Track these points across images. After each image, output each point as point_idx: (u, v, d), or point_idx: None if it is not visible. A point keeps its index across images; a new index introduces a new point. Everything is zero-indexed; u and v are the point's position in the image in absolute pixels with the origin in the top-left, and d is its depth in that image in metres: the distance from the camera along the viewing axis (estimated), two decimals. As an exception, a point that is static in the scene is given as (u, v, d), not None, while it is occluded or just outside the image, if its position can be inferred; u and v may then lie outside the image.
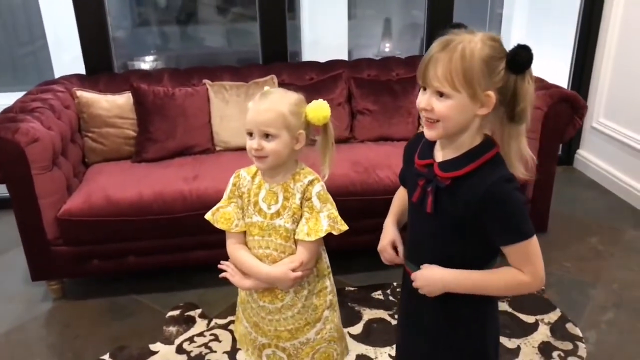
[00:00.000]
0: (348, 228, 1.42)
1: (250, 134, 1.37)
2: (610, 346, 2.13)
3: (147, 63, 4.08)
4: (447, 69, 1.07)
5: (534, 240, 1.14)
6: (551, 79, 2.74)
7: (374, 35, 4.81)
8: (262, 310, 1.49)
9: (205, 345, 2.19)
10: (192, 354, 2.14)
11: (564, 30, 3.63)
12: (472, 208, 1.12)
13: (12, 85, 3.98)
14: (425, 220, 1.22)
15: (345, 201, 2.41)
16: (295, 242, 1.42)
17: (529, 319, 2.28)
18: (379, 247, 1.40)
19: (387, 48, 4.68)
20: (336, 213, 1.43)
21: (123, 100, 2.76)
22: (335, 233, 1.40)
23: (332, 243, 2.41)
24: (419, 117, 2.97)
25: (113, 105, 2.74)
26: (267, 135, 1.35)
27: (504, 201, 1.10)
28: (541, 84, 2.65)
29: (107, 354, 2.14)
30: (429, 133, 1.15)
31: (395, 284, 2.51)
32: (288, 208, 1.40)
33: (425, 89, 1.13)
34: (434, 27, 3.31)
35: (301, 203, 1.40)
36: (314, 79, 2.99)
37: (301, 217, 1.41)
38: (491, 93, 1.08)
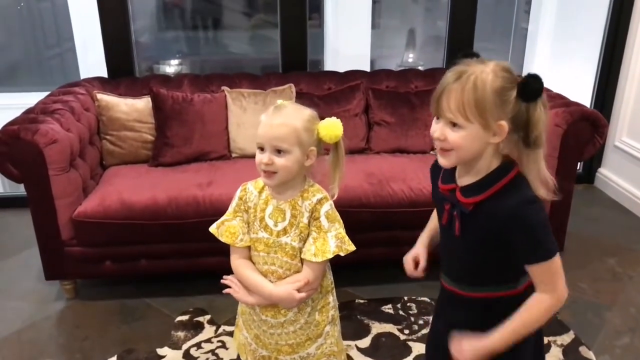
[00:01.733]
0: (355, 249, 1.41)
1: (262, 148, 1.36)
2: (625, 372, 2.08)
3: (172, 67, 4.13)
4: (459, 101, 1.10)
5: (557, 259, 1.15)
6: (576, 96, 2.70)
7: (398, 46, 4.80)
8: (264, 324, 1.48)
9: (212, 352, 2.19)
10: (199, 360, 2.14)
11: (590, 47, 3.58)
12: (495, 231, 1.15)
13: (39, 85, 4.06)
14: (455, 241, 1.25)
15: (358, 213, 2.41)
16: (302, 260, 1.41)
17: (541, 340, 2.24)
18: (404, 258, 1.45)
19: (410, 59, 4.67)
20: (344, 233, 1.41)
21: (142, 105, 2.79)
22: (342, 254, 1.39)
23: (345, 256, 2.42)
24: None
25: (132, 109, 2.77)
26: (279, 151, 1.33)
27: (527, 223, 1.13)
28: (562, 100, 2.61)
29: (115, 357, 2.15)
30: (442, 161, 1.18)
31: (406, 298, 2.49)
32: (295, 226, 1.39)
33: (438, 118, 1.16)
34: (455, 40, 3.28)
35: (309, 222, 1.39)
36: (332, 89, 2.98)
37: (308, 235, 1.39)
38: (503, 123, 1.11)
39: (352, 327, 2.31)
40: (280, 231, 1.40)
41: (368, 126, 2.96)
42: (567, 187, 2.48)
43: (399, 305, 2.46)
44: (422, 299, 2.47)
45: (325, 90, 2.98)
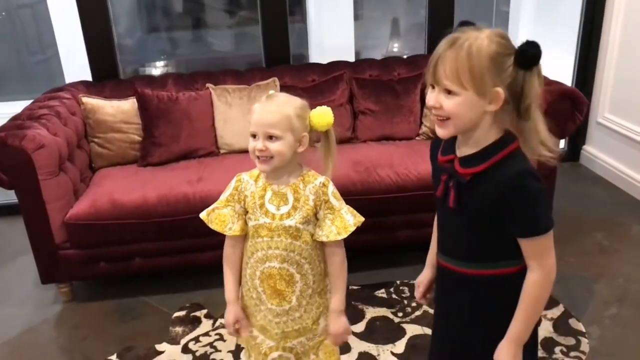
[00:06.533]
0: (364, 219, 1.48)
1: (254, 136, 1.40)
2: (613, 341, 2.13)
3: (158, 69, 4.14)
4: (454, 67, 1.09)
5: (551, 234, 1.16)
6: (559, 76, 2.72)
7: (382, 36, 4.83)
8: (270, 312, 1.51)
9: (211, 344, 2.22)
10: (197, 354, 2.17)
11: (572, 26, 3.61)
12: (492, 202, 1.14)
13: (25, 93, 4.05)
14: (450, 215, 1.25)
15: (346, 201, 2.44)
16: (308, 243, 1.45)
17: (532, 314, 2.29)
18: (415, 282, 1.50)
19: (395, 48, 4.69)
20: (351, 208, 1.48)
21: (128, 106, 2.81)
22: (358, 226, 1.46)
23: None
24: (420, 116, 3.00)
25: (118, 110, 2.79)
26: (271, 137, 1.37)
27: (524, 195, 1.12)
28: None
29: (115, 355, 2.18)
30: (440, 131, 1.18)
31: (398, 282, 2.53)
32: (299, 209, 1.43)
33: (434, 87, 1.14)
34: (435, 25, 3.32)
35: (315, 205, 1.43)
36: (315, 81, 3.01)
37: (316, 218, 1.44)
38: (499, 89, 1.10)
39: (346, 313, 2.34)
40: (283, 214, 1.43)
41: (353, 115, 3.00)
42: (551, 165, 2.51)
43: (392, 290, 2.50)
44: (415, 282, 2.51)
45: (309, 82, 3.01)
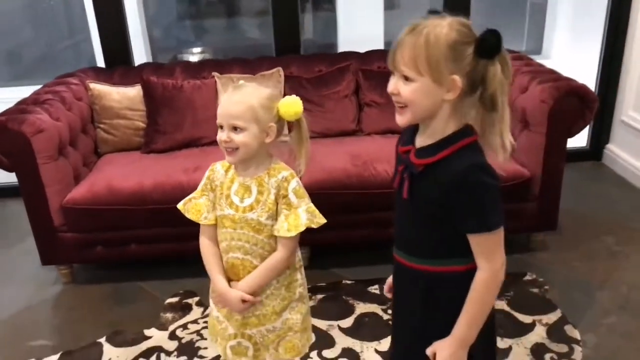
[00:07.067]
0: (326, 221, 1.45)
1: (222, 127, 1.40)
2: (608, 350, 2.04)
3: (194, 55, 4.18)
4: (411, 53, 1.08)
5: (500, 232, 1.13)
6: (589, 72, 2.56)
7: None
8: None
9: (197, 332, 2.24)
10: (184, 341, 2.19)
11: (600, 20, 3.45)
12: (442, 193, 1.12)
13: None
14: (404, 207, 1.23)
15: (342, 195, 2.42)
16: (271, 237, 1.45)
17: (526, 318, 2.21)
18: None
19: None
20: (314, 207, 1.46)
21: (134, 93, 2.84)
22: (314, 226, 1.44)
23: (331, 236, 2.43)
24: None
25: (124, 97, 2.83)
26: (236, 129, 1.37)
27: (474, 189, 1.10)
28: (552, 75, 2.54)
29: (104, 338, 2.22)
30: (398, 118, 1.16)
31: (392, 278, 2.49)
32: (262, 202, 1.43)
33: (394, 74, 1.14)
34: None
35: (276, 199, 1.43)
36: (322, 71, 2.97)
37: (277, 212, 1.44)
38: (456, 77, 1.08)
39: (336, 308, 2.33)
40: (246, 207, 1.44)
41: (359, 107, 2.95)
42: (557, 164, 2.42)
43: (385, 286, 2.45)
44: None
45: (315, 73, 2.97)
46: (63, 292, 2.55)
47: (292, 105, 1.41)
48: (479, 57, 1.07)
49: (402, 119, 1.15)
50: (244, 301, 1.47)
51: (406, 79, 1.10)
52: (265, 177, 1.44)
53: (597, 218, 2.92)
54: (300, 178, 1.47)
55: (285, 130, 1.48)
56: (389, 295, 1.48)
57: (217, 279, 1.52)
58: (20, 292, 2.57)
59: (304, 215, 1.43)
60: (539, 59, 2.90)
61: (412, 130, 1.21)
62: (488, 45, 1.07)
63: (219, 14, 4.68)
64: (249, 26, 4.69)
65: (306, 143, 1.47)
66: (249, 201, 1.44)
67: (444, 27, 1.07)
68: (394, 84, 1.13)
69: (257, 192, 1.43)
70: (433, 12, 1.13)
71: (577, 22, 4.04)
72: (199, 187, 1.53)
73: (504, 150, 1.13)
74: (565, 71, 2.60)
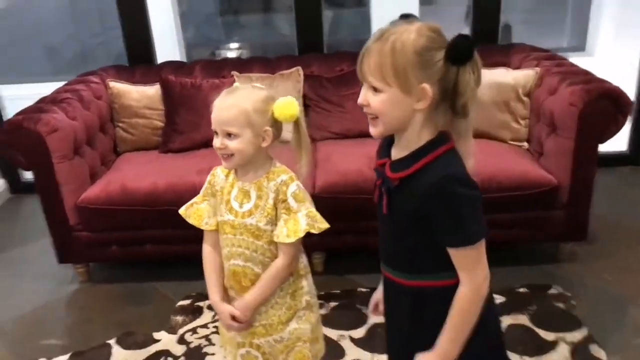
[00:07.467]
0: (329, 226, 1.40)
1: (216, 133, 1.36)
2: (636, 375, 1.90)
3: (232, 51, 4.17)
4: (377, 62, 1.03)
5: (480, 245, 1.08)
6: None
7: (456, 22, 4.60)
8: None
9: (206, 337, 2.20)
10: (192, 345, 2.16)
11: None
12: (418, 206, 1.08)
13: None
14: (385, 221, 1.19)
15: (357, 199, 2.34)
16: (272, 243, 1.40)
17: (549, 336, 2.08)
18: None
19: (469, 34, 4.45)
20: (315, 211, 1.40)
21: (153, 92, 2.83)
22: (315, 232, 1.38)
23: (347, 241, 2.36)
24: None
25: (143, 96, 2.81)
26: (229, 135, 1.33)
27: (450, 201, 1.05)
28: (584, 77, 2.39)
29: (114, 339, 2.21)
30: (371, 130, 1.12)
31: (410, 287, 2.39)
32: (261, 207, 1.39)
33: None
34: (482, 13, 3.09)
35: (275, 203, 1.38)
36: (344, 70, 2.89)
37: (276, 217, 1.39)
38: (426, 86, 1.03)
39: (349, 317, 2.26)
40: (245, 212, 1.39)
41: (380, 108, 2.85)
42: (587, 171, 2.27)
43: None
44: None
45: (336, 72, 2.88)
46: (79, 291, 2.57)
47: (287, 107, 1.36)
48: (450, 63, 1.01)
49: (374, 131, 1.10)
50: (234, 318, 1.42)
51: (375, 89, 1.05)
52: (265, 181, 1.39)
53: (632, 227, 2.74)
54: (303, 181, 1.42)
55: (289, 129, 1.42)
56: (372, 315, 1.45)
57: (211, 292, 1.48)
58: (38, 289, 2.59)
59: (304, 220, 1.37)
60: (582, 57, 2.75)
61: (389, 141, 1.16)
62: (458, 50, 1.01)
63: (254, 9, 4.70)
64: (282, 22, 4.67)
65: (306, 145, 1.42)
66: (248, 206, 1.39)
67: (412, 32, 1.02)
68: (364, 95, 1.08)
69: (257, 197, 1.39)
70: (404, 16, 1.08)
71: (624, 18, 3.81)
72: (201, 192, 1.50)
73: (473, 156, 1.09)
74: (610, 70, 2.45)
